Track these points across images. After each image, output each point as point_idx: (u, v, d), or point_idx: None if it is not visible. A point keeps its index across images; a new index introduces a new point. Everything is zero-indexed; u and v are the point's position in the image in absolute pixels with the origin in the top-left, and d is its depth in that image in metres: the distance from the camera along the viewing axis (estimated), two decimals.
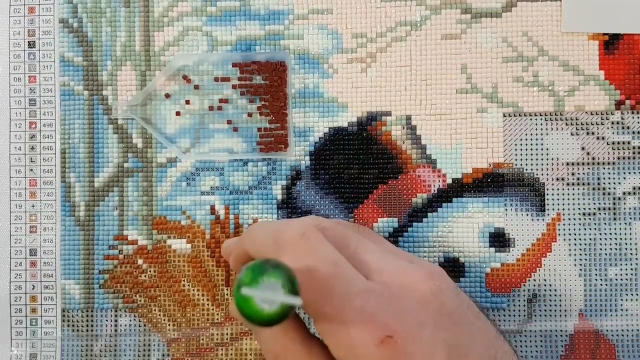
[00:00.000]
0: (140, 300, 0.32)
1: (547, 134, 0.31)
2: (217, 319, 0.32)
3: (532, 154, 0.31)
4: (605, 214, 0.31)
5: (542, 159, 0.31)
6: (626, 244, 0.31)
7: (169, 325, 0.32)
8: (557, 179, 0.31)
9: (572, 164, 0.31)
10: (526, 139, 0.31)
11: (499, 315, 0.31)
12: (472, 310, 0.25)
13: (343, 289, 0.23)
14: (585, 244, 0.31)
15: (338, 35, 0.32)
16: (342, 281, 0.23)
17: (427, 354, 0.22)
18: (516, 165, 0.31)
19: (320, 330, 0.23)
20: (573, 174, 0.31)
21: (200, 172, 0.32)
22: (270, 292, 0.19)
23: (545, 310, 0.31)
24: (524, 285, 0.31)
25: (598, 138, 0.31)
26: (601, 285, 0.31)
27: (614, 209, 0.31)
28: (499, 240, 0.31)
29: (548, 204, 0.31)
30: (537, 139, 0.31)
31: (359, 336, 0.22)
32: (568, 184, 0.31)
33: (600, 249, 0.31)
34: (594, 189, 0.31)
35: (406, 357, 0.22)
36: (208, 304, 0.32)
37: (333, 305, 0.22)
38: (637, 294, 0.31)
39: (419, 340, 0.22)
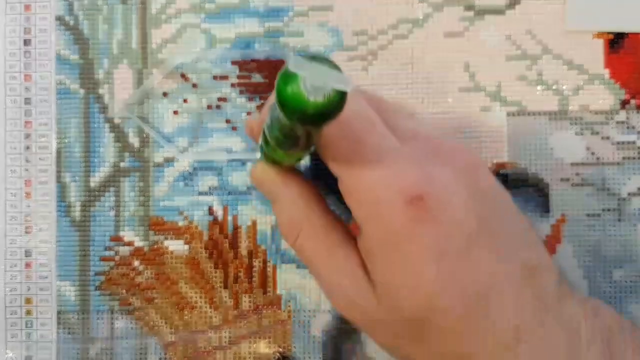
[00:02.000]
0: (136, 303, 0.32)
1: (551, 133, 0.31)
2: (215, 322, 0.32)
3: (536, 154, 0.31)
4: (610, 215, 0.31)
5: (546, 159, 0.31)
6: (631, 245, 0.31)
7: (166, 328, 0.32)
8: (562, 179, 0.31)
9: (577, 164, 0.31)
10: (530, 139, 0.31)
11: None
12: (508, 199, 0.24)
13: (376, 144, 0.22)
14: (590, 246, 0.31)
15: (339, 32, 0.32)
16: (376, 137, 0.22)
17: (456, 221, 0.21)
18: (520, 165, 0.31)
19: (345, 187, 0.22)
20: (577, 174, 0.31)
21: (198, 172, 0.32)
22: (319, 74, 0.16)
23: None
24: None
25: (603, 138, 0.31)
26: (606, 287, 0.31)
27: (619, 210, 0.31)
28: None
29: (552, 205, 0.31)
30: (541, 139, 0.31)
31: (386, 192, 0.21)
32: (572, 185, 0.31)
33: (605, 251, 0.31)
34: (598, 189, 0.31)
35: (433, 221, 0.21)
36: (206, 307, 0.32)
37: (363, 159, 0.21)
38: None
39: (450, 206, 0.21)
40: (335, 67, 0.16)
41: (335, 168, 0.22)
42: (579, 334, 0.23)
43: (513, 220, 0.24)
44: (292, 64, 0.15)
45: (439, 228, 0.21)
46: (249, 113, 0.32)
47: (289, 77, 0.16)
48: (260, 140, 0.23)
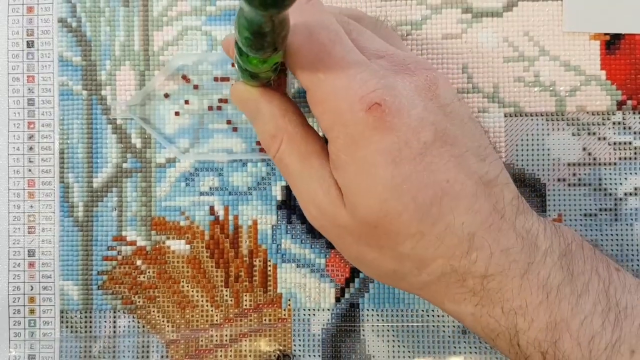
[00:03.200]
0: (139, 302, 0.32)
1: (548, 134, 0.31)
2: (217, 320, 0.32)
3: (533, 154, 0.31)
4: (606, 214, 0.31)
5: (543, 160, 0.31)
6: (627, 245, 0.31)
7: (168, 326, 0.32)
8: (558, 180, 0.31)
9: (574, 164, 0.31)
10: (527, 139, 0.31)
11: None
12: (469, 114, 0.24)
13: (341, 55, 0.22)
14: None
15: None
16: (341, 49, 0.23)
17: (413, 129, 0.22)
18: (517, 165, 0.31)
19: (311, 99, 0.23)
20: (574, 174, 0.31)
21: (199, 172, 0.32)
22: None
23: None
24: None
25: (599, 138, 0.31)
26: None
27: (616, 209, 0.31)
28: None
29: (549, 205, 0.31)
30: (538, 139, 0.31)
31: (348, 100, 0.22)
32: (569, 185, 0.31)
33: (602, 250, 0.31)
34: (595, 189, 0.31)
35: (390, 128, 0.22)
36: (207, 305, 0.32)
37: (327, 68, 0.22)
38: None
39: (407, 115, 0.22)
40: None
41: (302, 78, 0.23)
42: (536, 244, 0.23)
43: (473, 134, 0.24)
44: None
45: (395, 134, 0.22)
46: None
47: None
48: (235, 54, 0.23)
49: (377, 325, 0.31)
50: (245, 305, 0.32)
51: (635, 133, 0.31)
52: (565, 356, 0.22)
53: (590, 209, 0.31)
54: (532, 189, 0.31)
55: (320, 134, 0.26)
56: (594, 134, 0.31)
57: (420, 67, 0.24)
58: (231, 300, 0.32)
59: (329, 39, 0.23)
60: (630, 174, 0.31)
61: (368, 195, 0.22)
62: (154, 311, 0.32)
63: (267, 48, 0.20)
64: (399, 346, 0.31)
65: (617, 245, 0.31)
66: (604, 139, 0.31)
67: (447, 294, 0.24)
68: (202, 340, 0.32)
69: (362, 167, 0.22)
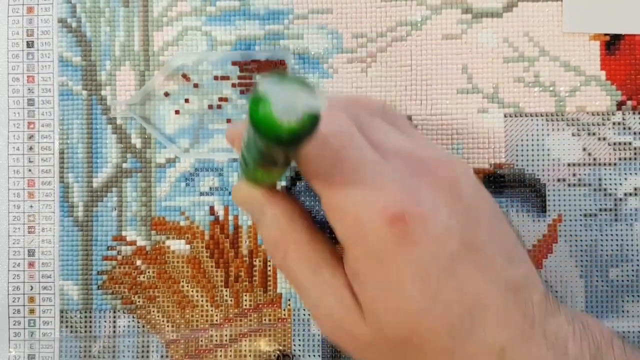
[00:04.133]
0: (138, 301, 0.32)
1: (548, 134, 0.31)
2: (216, 320, 0.32)
3: (533, 155, 0.31)
4: (606, 215, 0.31)
5: (543, 160, 0.31)
6: (627, 245, 0.31)
7: (168, 326, 0.32)
8: (558, 180, 0.31)
9: (573, 164, 0.31)
10: (527, 140, 0.31)
11: None
12: (494, 210, 0.23)
13: (355, 160, 0.21)
14: (587, 245, 0.31)
15: (338, 35, 0.32)
16: (355, 152, 0.21)
17: (439, 240, 0.21)
18: (517, 165, 0.31)
19: (326, 206, 0.22)
20: (574, 174, 0.31)
21: (199, 172, 0.32)
22: (292, 94, 0.15)
23: None
24: None
25: (599, 139, 0.31)
26: (602, 286, 0.31)
27: (616, 210, 0.31)
28: None
29: (549, 205, 0.31)
30: (538, 140, 0.31)
31: (367, 212, 0.20)
32: (569, 185, 0.31)
33: (602, 250, 0.31)
34: (595, 189, 0.31)
35: (415, 241, 0.20)
36: (207, 305, 0.32)
37: (343, 177, 0.21)
38: (638, 295, 0.31)
39: (432, 225, 0.21)
40: (308, 86, 0.16)
41: (315, 186, 0.22)
42: (566, 351, 0.22)
43: (498, 234, 0.23)
44: (262, 86, 0.15)
45: (421, 248, 0.21)
46: None
47: (260, 100, 0.15)
48: (239, 159, 0.22)
49: None
50: (245, 305, 0.32)
51: (635, 133, 0.31)
52: None
53: (590, 209, 0.31)
54: (532, 189, 0.31)
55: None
56: (594, 134, 0.31)
57: (440, 164, 0.23)
58: (231, 300, 0.32)
59: (342, 145, 0.21)
60: (630, 174, 0.31)
61: (394, 312, 0.21)
62: (153, 311, 0.32)
63: (276, 166, 0.19)
64: None
65: (617, 245, 0.31)
66: (604, 139, 0.31)
67: None
68: (202, 340, 0.32)
69: (388, 284, 0.21)
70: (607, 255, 0.31)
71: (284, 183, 0.32)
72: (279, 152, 0.18)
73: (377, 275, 0.21)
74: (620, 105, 0.31)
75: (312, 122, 0.15)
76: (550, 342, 0.22)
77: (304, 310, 0.32)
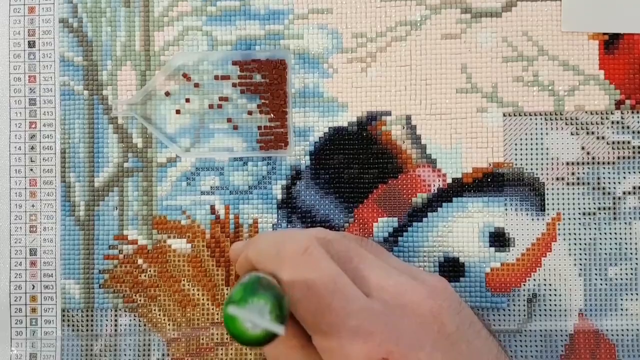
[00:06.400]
0: (140, 300, 0.32)
1: (547, 133, 0.31)
2: (217, 319, 0.32)
3: (532, 154, 0.31)
4: (605, 213, 0.31)
5: (542, 159, 0.31)
6: (626, 243, 0.31)
7: (169, 325, 0.32)
8: (557, 179, 0.31)
9: (572, 163, 0.31)
10: (526, 139, 0.31)
11: (499, 315, 0.31)
12: (475, 328, 0.25)
13: (341, 306, 0.22)
14: (585, 244, 0.31)
15: (338, 34, 0.32)
16: (341, 298, 0.23)
17: None
18: (516, 164, 0.31)
19: (317, 346, 0.23)
20: (573, 173, 0.31)
21: (200, 171, 0.32)
22: (257, 315, 0.19)
23: (545, 310, 0.31)
24: (524, 285, 0.31)
25: (598, 138, 0.31)
26: (601, 284, 0.31)
27: (614, 208, 0.31)
28: (498, 240, 0.31)
29: (548, 204, 0.31)
30: (537, 139, 0.31)
31: (355, 355, 0.22)
32: (568, 184, 0.31)
33: (600, 249, 0.31)
34: (594, 188, 0.31)
35: None
36: (208, 304, 0.32)
37: (330, 322, 0.22)
38: (637, 294, 0.31)
39: None
40: (275, 298, 0.20)
41: (306, 326, 0.23)
42: None
43: (481, 354, 0.24)
44: (231, 310, 0.19)
45: None
46: (249, 112, 0.32)
47: (231, 318, 0.19)
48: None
49: None
50: None
51: (633, 132, 0.31)
52: None
53: (589, 208, 0.31)
54: (531, 188, 0.31)
55: None
56: (593, 133, 0.31)
57: (422, 297, 0.24)
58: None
59: (328, 291, 0.22)
60: (629, 172, 0.31)
61: None
62: (155, 310, 0.32)
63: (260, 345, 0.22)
64: None
65: (616, 244, 0.31)
66: (603, 138, 0.31)
67: None
68: (203, 339, 0.32)
69: None
70: (605, 253, 0.31)
71: (284, 182, 0.32)
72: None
73: None
74: (618, 104, 0.31)
75: (270, 336, 0.19)
76: None
77: None
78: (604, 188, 0.31)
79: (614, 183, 0.31)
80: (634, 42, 0.31)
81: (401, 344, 0.22)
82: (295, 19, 0.32)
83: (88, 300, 0.32)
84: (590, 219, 0.31)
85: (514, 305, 0.31)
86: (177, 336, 0.32)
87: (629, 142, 0.31)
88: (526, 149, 0.31)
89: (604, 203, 0.31)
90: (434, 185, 0.32)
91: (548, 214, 0.31)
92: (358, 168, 0.32)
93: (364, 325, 0.22)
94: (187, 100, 0.32)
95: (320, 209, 0.32)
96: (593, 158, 0.31)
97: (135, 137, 0.33)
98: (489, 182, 0.32)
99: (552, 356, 0.31)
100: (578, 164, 0.31)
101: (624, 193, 0.31)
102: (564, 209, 0.31)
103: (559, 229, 0.31)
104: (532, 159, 0.31)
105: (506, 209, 0.31)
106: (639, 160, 0.31)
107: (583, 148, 0.31)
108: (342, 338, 0.22)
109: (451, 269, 0.31)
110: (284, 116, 0.32)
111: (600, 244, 0.31)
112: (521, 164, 0.31)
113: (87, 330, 0.32)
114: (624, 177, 0.31)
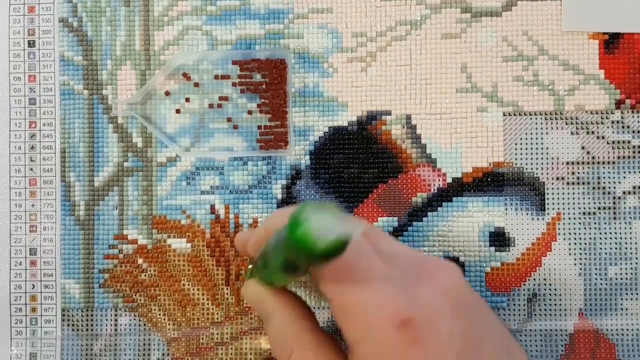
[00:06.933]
0: (140, 300, 0.32)
1: (547, 133, 0.31)
2: (217, 319, 0.32)
3: (532, 153, 0.31)
4: (605, 213, 0.31)
5: (542, 158, 0.31)
6: (626, 243, 0.31)
7: (169, 324, 0.32)
8: (557, 178, 0.31)
9: (572, 163, 0.31)
10: (526, 139, 0.31)
11: (499, 315, 0.31)
12: (489, 311, 0.25)
13: (365, 271, 0.23)
14: (585, 243, 0.31)
15: (338, 34, 0.32)
16: (365, 264, 0.23)
17: (443, 343, 0.22)
18: (516, 164, 0.31)
19: (337, 313, 0.23)
20: (573, 173, 0.31)
21: (200, 171, 0.32)
22: (331, 217, 0.18)
23: (545, 310, 0.31)
24: (524, 284, 0.31)
25: (598, 137, 0.31)
26: (601, 284, 0.31)
27: (614, 208, 0.31)
28: (499, 239, 0.31)
29: (548, 203, 0.31)
30: (537, 138, 0.31)
31: (376, 316, 0.22)
32: (568, 183, 0.31)
33: (600, 248, 0.31)
34: (594, 188, 0.31)
35: (422, 343, 0.22)
36: (208, 304, 0.32)
37: (354, 282, 0.22)
38: (637, 293, 0.31)
39: (436, 328, 0.22)
40: (340, 215, 0.18)
41: (326, 289, 0.23)
42: None
43: (495, 332, 0.24)
44: (304, 214, 0.18)
45: (428, 349, 0.22)
46: (249, 112, 0.32)
47: (301, 222, 0.18)
48: (255, 261, 0.24)
49: None
50: (246, 303, 0.32)
51: (633, 132, 0.31)
52: None
53: (589, 208, 0.31)
54: (531, 188, 0.31)
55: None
56: (593, 132, 0.31)
57: (439, 269, 0.24)
58: (232, 299, 0.32)
59: (353, 256, 0.22)
60: (629, 172, 0.31)
61: None
62: (155, 309, 0.32)
63: (297, 274, 0.21)
64: None
65: (616, 243, 0.31)
66: (603, 137, 0.31)
67: None
68: (203, 338, 0.32)
69: None
70: (605, 253, 0.31)
71: (284, 182, 0.32)
72: (305, 264, 0.20)
73: None
74: (619, 103, 0.31)
75: (343, 246, 0.18)
76: None
77: None
78: (604, 188, 0.31)
79: (614, 183, 0.31)
80: (634, 42, 0.31)
81: (423, 308, 0.22)
82: (295, 18, 0.32)
83: (88, 300, 0.32)
84: (590, 218, 0.31)
85: (514, 304, 0.31)
86: (177, 336, 0.32)
87: (629, 142, 0.31)
88: (526, 149, 0.31)
89: (604, 203, 0.31)
90: (434, 185, 0.32)
91: (548, 214, 0.31)
92: (358, 168, 0.32)
93: (387, 287, 0.22)
94: (187, 99, 0.32)
95: None
96: (593, 158, 0.31)
97: (135, 136, 0.33)
98: (489, 182, 0.32)
99: (552, 356, 0.31)
100: (578, 163, 0.31)
101: (624, 193, 0.31)
102: (564, 208, 0.31)
103: (559, 229, 0.31)
104: (532, 159, 0.31)
105: (506, 209, 0.31)
106: (639, 160, 0.31)
107: (583, 148, 0.31)
108: (366, 298, 0.22)
109: None
110: (284, 116, 0.32)
111: (600, 243, 0.31)
112: (521, 164, 0.31)
113: (87, 330, 0.32)
114: (624, 177, 0.31)
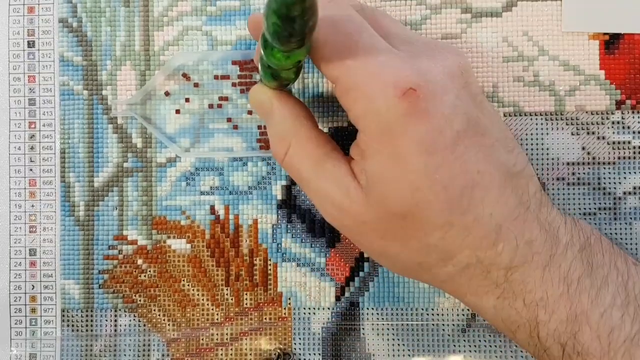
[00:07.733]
0: (140, 300, 0.32)
1: (547, 133, 0.31)
2: (217, 319, 0.32)
3: (532, 154, 0.31)
4: (605, 213, 0.31)
5: (542, 159, 0.31)
6: (627, 243, 0.31)
7: (169, 325, 0.32)
8: (558, 179, 0.31)
9: (573, 163, 0.31)
10: (526, 139, 0.31)
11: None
12: (492, 105, 0.25)
13: (368, 43, 0.22)
14: None
15: None
16: (368, 37, 0.22)
17: (447, 117, 0.22)
18: None
19: (340, 90, 0.23)
20: (573, 173, 0.31)
21: (199, 172, 0.32)
22: None
23: None
24: None
25: (598, 138, 0.31)
26: None
27: (615, 208, 0.31)
28: None
29: None
30: (537, 139, 0.31)
31: (380, 86, 0.21)
32: (568, 184, 0.31)
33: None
34: (594, 188, 0.31)
35: (425, 115, 0.21)
36: (208, 304, 0.32)
37: (356, 57, 0.22)
38: None
39: (441, 102, 0.22)
40: None
41: (329, 70, 0.23)
42: (557, 237, 0.24)
43: (500, 126, 0.24)
44: None
45: (430, 122, 0.22)
46: (249, 112, 0.32)
47: None
48: (259, 47, 0.23)
49: (377, 324, 0.31)
50: (246, 304, 0.32)
51: (634, 132, 0.31)
52: (585, 348, 0.22)
53: (590, 208, 0.31)
54: None
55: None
56: (593, 133, 0.31)
57: (450, 51, 0.24)
58: (232, 299, 0.32)
59: (355, 29, 0.22)
60: (630, 173, 0.31)
61: (399, 184, 0.22)
62: (154, 310, 0.32)
63: (293, 37, 0.20)
64: (398, 345, 0.31)
65: (616, 243, 0.31)
66: (603, 138, 0.31)
67: (469, 286, 0.24)
68: (202, 339, 0.32)
69: (395, 155, 0.22)
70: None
71: (283, 182, 0.32)
72: (297, 4, 0.19)
73: (386, 148, 0.22)
74: (619, 104, 0.31)
75: None
76: (543, 226, 0.23)
77: (304, 309, 0.32)
78: (604, 188, 0.31)
79: (615, 183, 0.31)
80: (635, 42, 0.31)
81: (428, 80, 0.22)
82: None
83: (88, 301, 0.32)
84: (590, 219, 0.31)
85: None
86: (177, 336, 0.32)
87: (629, 142, 0.31)
88: (526, 149, 0.31)
89: (605, 203, 0.31)
90: None
91: None
92: None
93: (392, 60, 0.22)
94: (187, 100, 0.32)
95: None
96: (593, 158, 0.31)
97: (135, 137, 0.33)
98: None
99: None
100: (578, 164, 0.31)
101: (625, 193, 0.31)
102: (564, 209, 0.31)
103: None
104: (532, 159, 0.31)
105: None
106: (639, 161, 0.31)
107: (583, 148, 0.31)
108: (368, 70, 0.22)
109: None
110: None
111: None
112: None
113: (86, 330, 0.32)
114: (625, 177, 0.31)
